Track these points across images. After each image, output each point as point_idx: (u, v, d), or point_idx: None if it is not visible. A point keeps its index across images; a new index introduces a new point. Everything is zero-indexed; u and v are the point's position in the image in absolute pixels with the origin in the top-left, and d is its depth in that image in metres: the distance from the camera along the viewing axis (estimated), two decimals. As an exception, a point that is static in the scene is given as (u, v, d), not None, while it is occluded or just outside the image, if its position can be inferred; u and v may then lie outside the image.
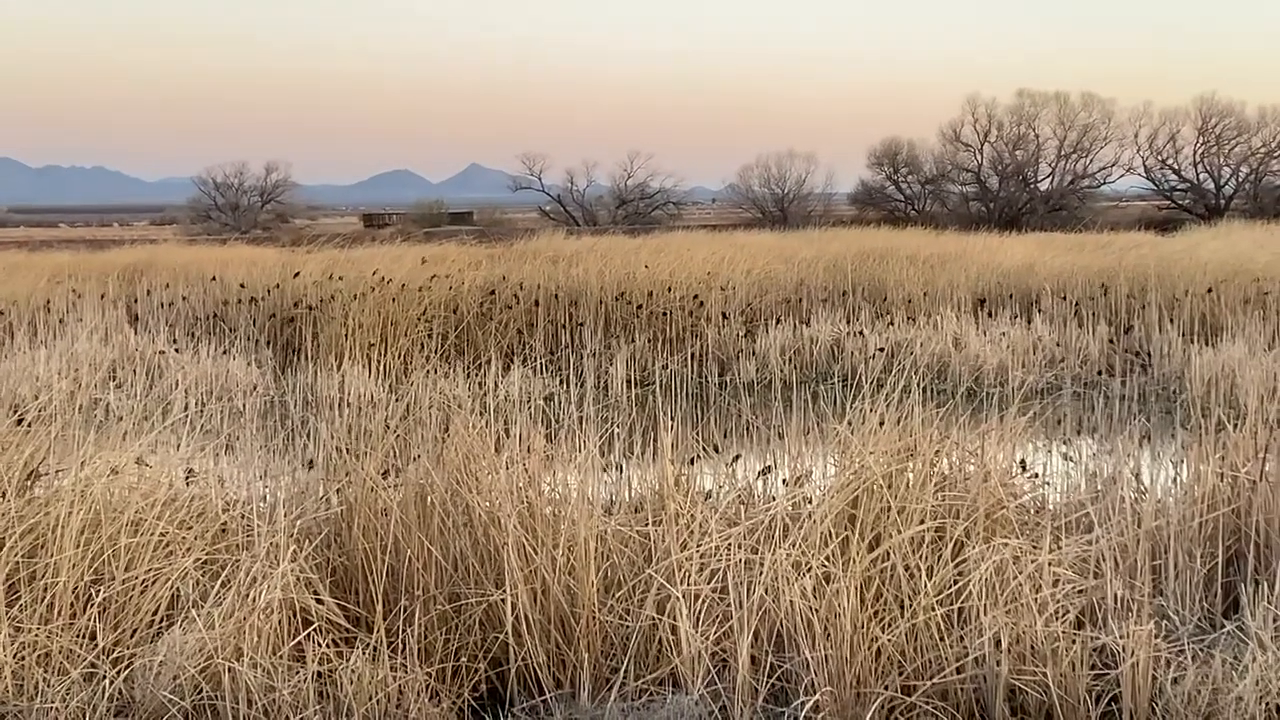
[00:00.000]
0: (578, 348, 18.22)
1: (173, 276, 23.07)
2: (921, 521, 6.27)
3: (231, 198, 77.33)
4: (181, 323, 19.38)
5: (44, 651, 5.55)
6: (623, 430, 7.92)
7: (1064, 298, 20.60)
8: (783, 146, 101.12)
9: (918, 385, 7.26)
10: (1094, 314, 19.30)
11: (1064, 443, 8.92)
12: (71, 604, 5.85)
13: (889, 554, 6.09)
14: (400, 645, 5.92)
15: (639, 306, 19.66)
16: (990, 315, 19.57)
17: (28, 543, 6.00)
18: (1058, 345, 17.67)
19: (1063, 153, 69.61)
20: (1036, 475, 7.79)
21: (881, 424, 6.90)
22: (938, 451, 6.86)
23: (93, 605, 5.81)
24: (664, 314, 19.46)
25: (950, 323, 18.36)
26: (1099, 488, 7.53)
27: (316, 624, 6.01)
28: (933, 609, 5.84)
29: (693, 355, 17.77)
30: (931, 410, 7.10)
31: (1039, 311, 19.98)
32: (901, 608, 5.93)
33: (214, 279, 21.39)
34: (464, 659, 6.10)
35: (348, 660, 5.71)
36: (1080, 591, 6.15)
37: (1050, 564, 6.04)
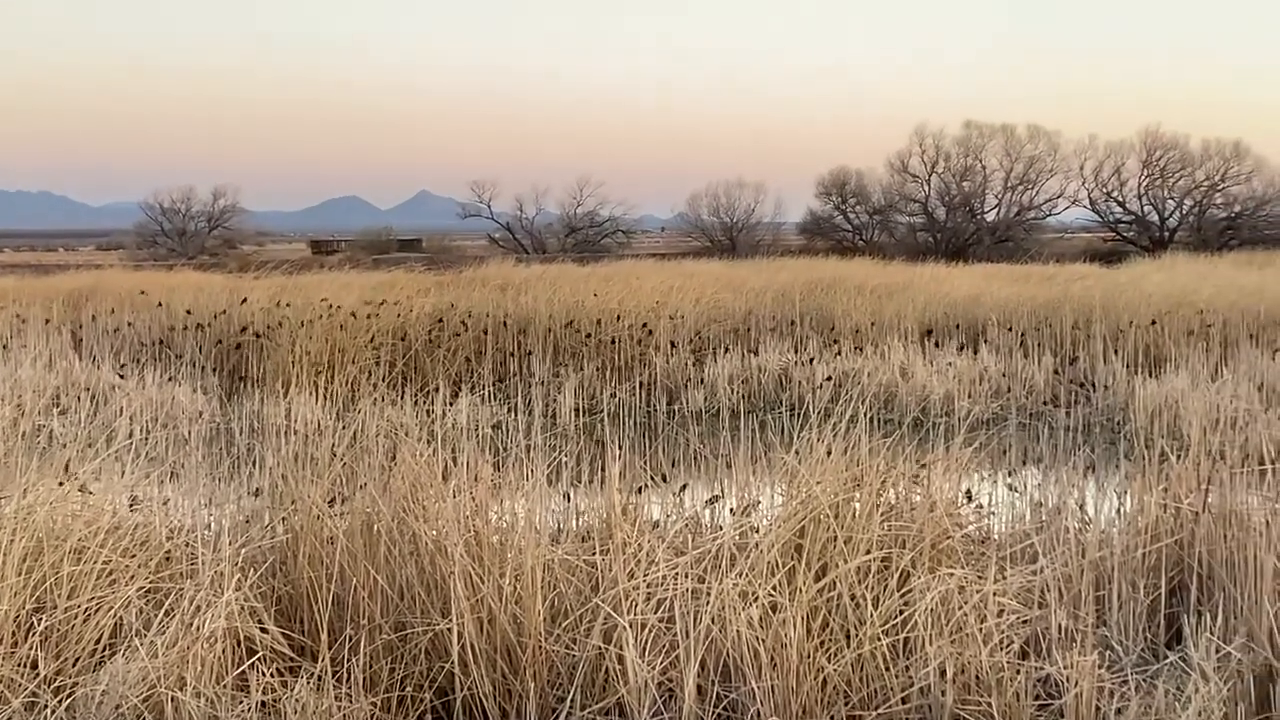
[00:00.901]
0: (526, 376, 18.22)
1: (118, 302, 22.93)
2: (868, 551, 6.28)
3: (178, 223, 76.97)
4: (127, 349, 19.25)
5: (-16, 681, 5.50)
6: (571, 459, 7.93)
7: (1010, 328, 20.74)
8: (732, 175, 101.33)
9: (865, 415, 7.28)
10: (1039, 345, 19.44)
11: (1009, 473, 8.98)
12: (13, 632, 5.79)
13: (836, 584, 6.10)
14: (345, 674, 5.88)
15: (588, 335, 19.67)
16: (937, 345, 19.65)
17: (-32, 571, 5.94)
18: (1003, 376, 17.76)
19: (1009, 184, 70.12)
20: (982, 506, 7.83)
21: (829, 453, 6.91)
22: (884, 481, 6.88)
23: (34, 634, 5.75)
24: (613, 342, 19.48)
25: (897, 353, 18.43)
26: (1044, 518, 7.58)
27: (261, 653, 5.98)
28: (879, 639, 5.86)
29: (641, 384, 17.80)
30: (878, 440, 7.12)
31: (985, 342, 20.10)
32: (848, 637, 5.94)
33: (160, 305, 21.26)
34: (409, 688, 6.08)
35: (292, 690, 5.67)
36: (1025, 622, 6.18)
37: (995, 594, 6.06)
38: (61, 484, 6.84)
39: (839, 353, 19.37)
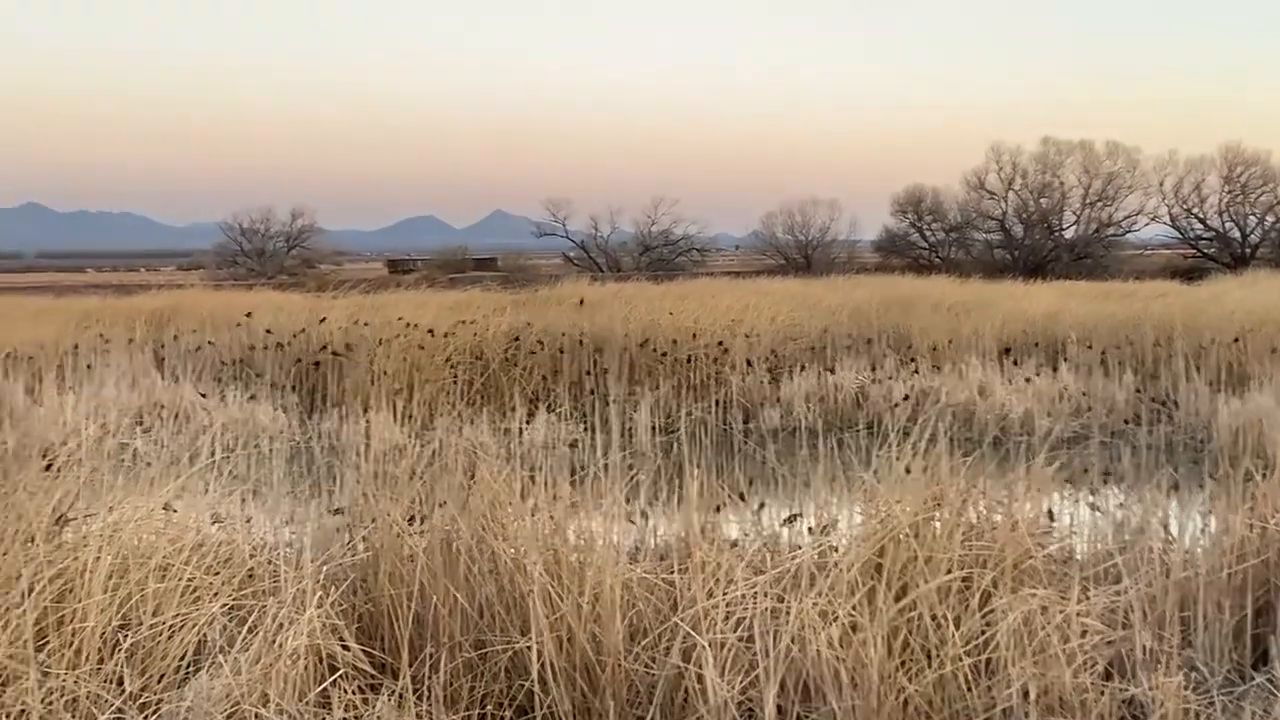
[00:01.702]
0: (602, 394, 18.23)
1: (199, 322, 23.15)
2: (949, 571, 6.24)
3: (258, 243, 77.75)
4: (208, 368, 19.41)
5: (71, 697, 5.54)
6: (648, 478, 7.91)
7: (1089, 346, 20.55)
8: (807, 193, 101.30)
9: (944, 434, 7.24)
10: (1120, 363, 19.26)
11: (1091, 492, 8.89)
12: (99, 649, 5.85)
13: (916, 603, 6.06)
14: (426, 692, 5.91)
15: (663, 353, 19.66)
16: (1015, 363, 19.53)
17: (56, 587, 6.00)
18: (1083, 394, 17.63)
19: (1088, 201, 69.63)
20: (1064, 525, 7.76)
21: (908, 472, 6.88)
22: (965, 500, 6.84)
23: (120, 650, 5.80)
24: (688, 361, 19.47)
25: (975, 371, 18.34)
26: (1126, 538, 7.50)
27: (342, 670, 6.00)
28: (960, 659, 5.82)
29: (717, 402, 17.78)
30: (958, 459, 7.08)
31: (1064, 360, 19.94)
32: (929, 657, 5.90)
33: (240, 324, 21.44)
34: (489, 706, 6.09)
35: (373, 707, 5.70)
36: (1109, 643, 6.12)
37: (1078, 615, 6.01)
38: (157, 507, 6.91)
39: (916, 371, 19.29)
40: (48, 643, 5.79)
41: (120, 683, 5.72)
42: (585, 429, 13.94)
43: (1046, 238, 69.50)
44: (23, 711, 5.41)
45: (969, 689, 5.80)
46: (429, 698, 5.87)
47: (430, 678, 5.98)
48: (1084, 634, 5.98)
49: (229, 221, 79.19)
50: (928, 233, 73.83)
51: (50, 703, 5.49)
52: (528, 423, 14.74)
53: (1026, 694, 5.69)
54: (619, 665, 6.04)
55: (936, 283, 35.69)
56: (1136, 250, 73.82)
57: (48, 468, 7.22)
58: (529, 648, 6.05)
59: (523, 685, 6.12)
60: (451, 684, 6.07)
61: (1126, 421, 15.86)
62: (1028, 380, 18.04)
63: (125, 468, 7.62)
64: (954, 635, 5.87)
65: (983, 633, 5.96)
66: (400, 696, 5.76)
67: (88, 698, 5.57)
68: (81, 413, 14.73)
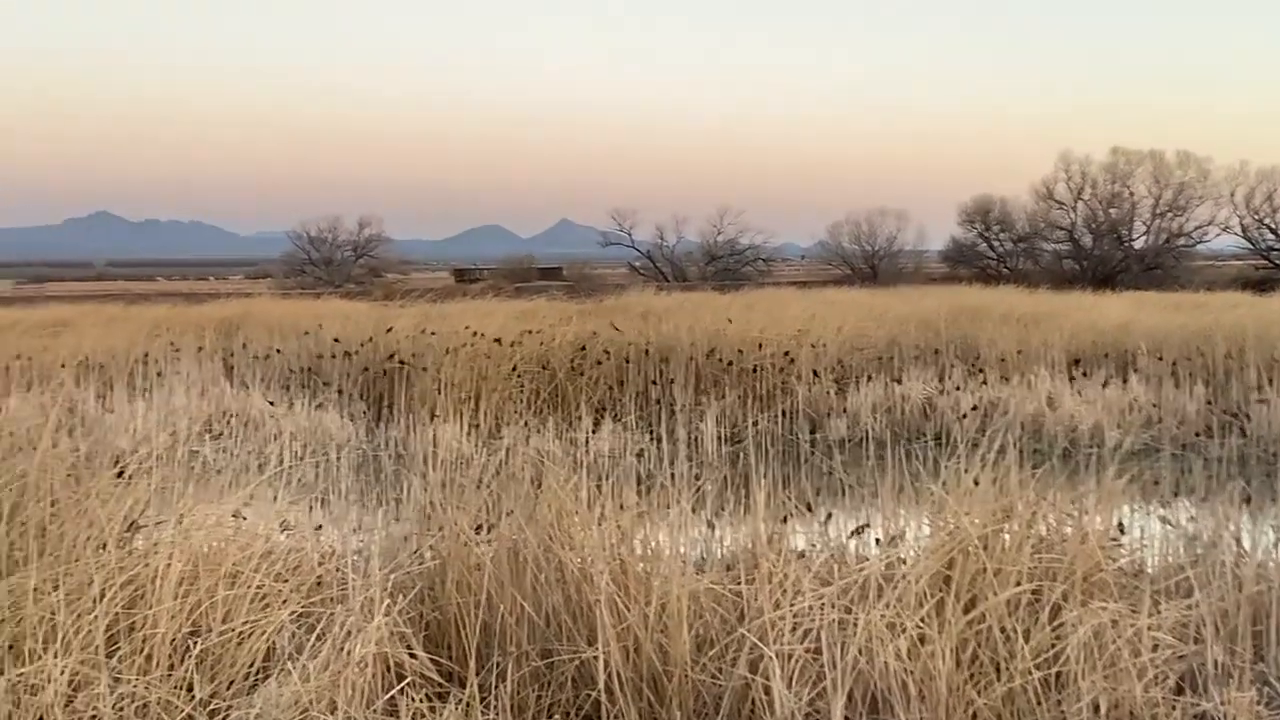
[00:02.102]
0: (668, 404, 18.22)
1: (268, 330, 23.31)
2: (1018, 583, 6.19)
3: (325, 252, 78.21)
4: (276, 376, 19.54)
5: (142, 703, 5.59)
6: (714, 487, 7.90)
7: (1160, 357, 20.37)
8: (873, 203, 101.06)
9: (1013, 445, 7.19)
10: (1191, 374, 19.08)
11: (1162, 505, 8.81)
12: (170, 655, 5.89)
13: (985, 616, 6.02)
14: (493, 701, 5.92)
15: (729, 363, 19.63)
16: (1085, 375, 19.39)
17: (127, 594, 6.05)
18: (1154, 406, 17.48)
19: (1158, 211, 68.99)
20: (1134, 538, 7.69)
21: (977, 484, 6.84)
22: (1034, 513, 6.79)
23: (190, 657, 5.84)
24: (754, 370, 19.43)
25: (1044, 382, 18.22)
26: (1198, 551, 7.43)
27: (410, 678, 6.02)
28: (1030, 672, 5.77)
29: (783, 412, 17.75)
30: (1027, 471, 7.03)
31: (1134, 371, 19.77)
32: (998, 671, 5.86)
33: (308, 333, 21.58)
34: (556, 716, 6.09)
35: (440, 715, 5.71)
36: (1180, 657, 6.06)
37: (1149, 628, 5.95)
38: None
39: (984, 382, 19.18)
40: (119, 649, 5.84)
41: (190, 689, 5.76)
42: (651, 438, 13.93)
43: (1116, 248, 68.93)
44: (94, 717, 5.46)
45: (1038, 703, 5.76)
46: (496, 706, 5.88)
47: (497, 687, 5.99)
48: (1155, 648, 5.93)
49: (297, 230, 79.76)
50: (995, 243, 73.37)
51: (121, 709, 5.53)
52: (594, 432, 14.76)
53: (1097, 708, 5.64)
54: (685, 676, 6.03)
55: (1004, 293, 35.44)
56: (1207, 261, 73.07)
57: (119, 475, 7.27)
58: (596, 657, 6.05)
59: (589, 695, 6.12)
60: (518, 693, 6.07)
61: (1198, 434, 15.73)
62: (1098, 391, 17.91)
63: (195, 475, 7.67)
64: (1023, 648, 5.83)
65: (1052, 646, 5.91)
66: (467, 705, 5.77)
67: (158, 704, 5.61)
68: (152, 420, 14.88)
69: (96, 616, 5.78)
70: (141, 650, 5.85)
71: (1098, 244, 69.11)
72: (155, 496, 7.24)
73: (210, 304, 33.35)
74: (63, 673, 5.47)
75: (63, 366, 18.79)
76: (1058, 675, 5.86)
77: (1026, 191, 72.50)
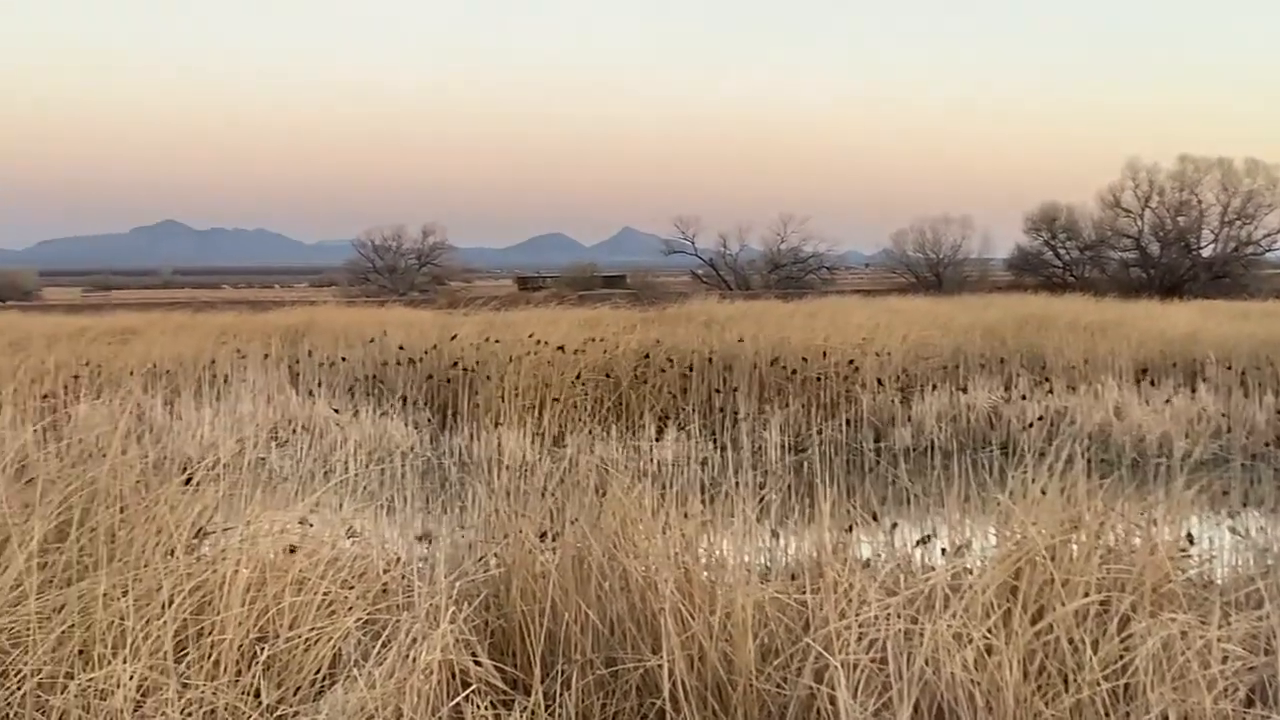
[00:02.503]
0: (732, 412, 18.20)
1: (333, 338, 23.43)
2: (1086, 594, 6.14)
3: (389, 260, 78.63)
4: (341, 383, 19.64)
5: (210, 708, 5.62)
6: (778, 496, 7.88)
7: (1229, 367, 20.18)
8: (938, 210, 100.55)
9: (1081, 455, 7.14)
10: (1260, 384, 18.88)
11: (1231, 515, 8.73)
12: (237, 661, 5.93)
13: (1053, 627, 5.97)
14: (558, 709, 5.92)
15: (793, 371, 19.59)
16: (1153, 384, 19.24)
17: (195, 600, 6.09)
18: (1223, 415, 17.32)
19: (1226, 219, 68.39)
20: (1204, 548, 7.62)
21: (1044, 494, 6.79)
22: (1102, 523, 6.73)
23: (257, 663, 5.88)
24: (818, 379, 19.38)
25: (1111, 391, 18.08)
26: (1269, 562, 7.35)
27: (475, 686, 6.03)
28: (1098, 684, 5.72)
29: (848, 421, 17.69)
30: (1095, 481, 6.98)
31: (1203, 381, 19.60)
32: (1065, 682, 5.81)
33: (373, 340, 21.68)
34: (621, 724, 6.09)
35: (506, 723, 5.72)
36: (1250, 669, 5.99)
37: (1219, 640, 5.89)
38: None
39: (1050, 391, 19.05)
40: (187, 654, 5.88)
41: (257, 695, 5.79)
42: (715, 447, 13.93)
43: (1184, 256, 68.42)
44: (163, 721, 5.50)
45: (1107, 714, 5.70)
46: (560, 714, 5.89)
47: (562, 694, 5.99)
48: (1225, 660, 5.86)
49: (362, 239, 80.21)
50: (1061, 251, 72.96)
51: (189, 713, 5.57)
52: (657, 440, 14.76)
53: (1166, 720, 5.59)
54: (750, 685, 6.02)
55: (1071, 302, 35.22)
56: (1276, 269, 72.41)
57: (187, 482, 7.32)
58: (660, 666, 6.04)
59: (654, 703, 6.11)
60: (583, 701, 6.07)
61: (1267, 444, 15.59)
62: (1165, 401, 17.77)
63: (262, 482, 7.70)
64: (1091, 659, 5.77)
65: (1121, 657, 5.86)
66: (532, 712, 5.78)
67: (226, 709, 5.65)
68: (219, 427, 15.00)
69: (165, 622, 5.82)
70: (209, 656, 5.89)
71: (1165, 252, 68.62)
72: (223, 503, 7.29)
73: (275, 311, 33.59)
74: (132, 678, 5.51)
75: (131, 374, 18.94)
76: (1126, 687, 5.80)
77: (1093, 199, 72.10)
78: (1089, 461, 7.22)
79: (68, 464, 7.38)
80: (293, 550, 6.64)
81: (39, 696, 5.56)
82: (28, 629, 5.78)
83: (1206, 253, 69.00)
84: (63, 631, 5.81)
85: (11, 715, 5.57)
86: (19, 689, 5.56)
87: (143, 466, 7.70)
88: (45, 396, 16.03)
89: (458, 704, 5.83)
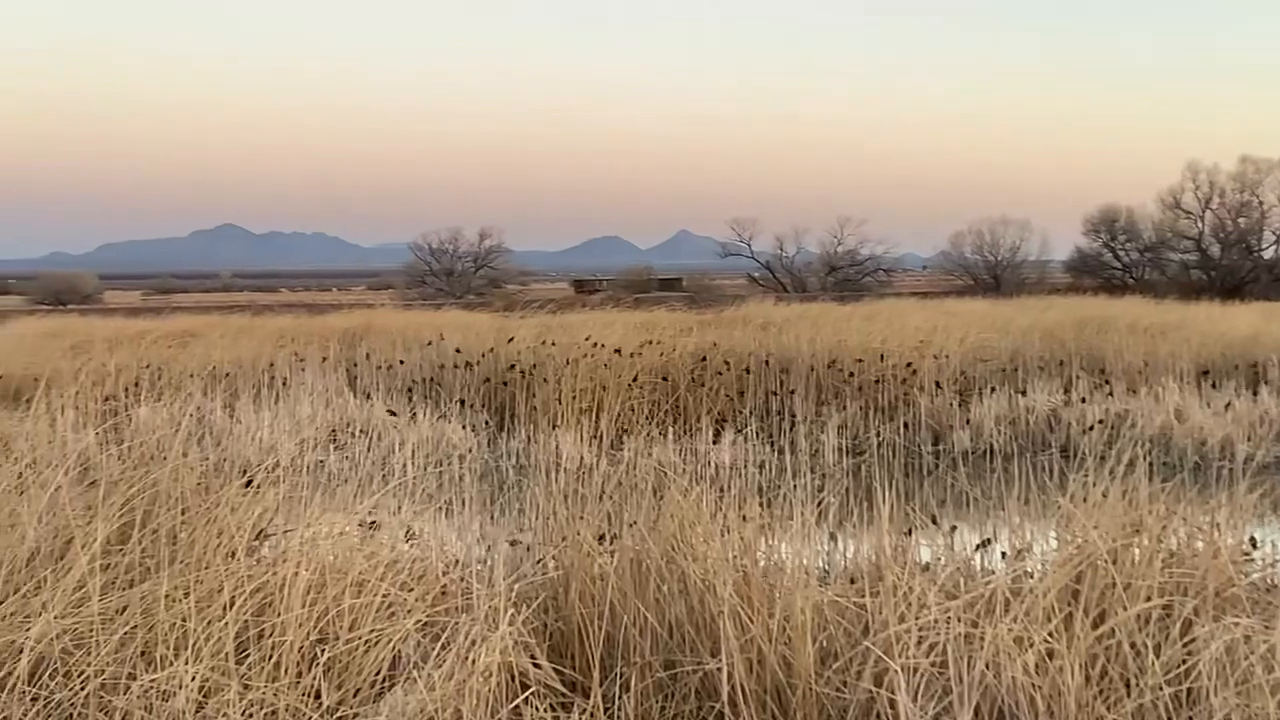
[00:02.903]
0: (789, 415, 18.17)
1: (390, 341, 23.52)
2: (1148, 598, 6.10)
3: (446, 263, 78.86)
4: (399, 386, 19.70)
5: (271, 709, 5.65)
6: (836, 499, 7.85)
7: (1292, 368, 20.00)
8: (995, 212, 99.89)
9: (1142, 458, 7.08)
10: (1324, 387, 18.71)
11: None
12: (298, 663, 5.95)
13: (1114, 631, 5.93)
14: (616, 711, 5.92)
15: (850, 374, 19.53)
16: (1214, 386, 19.08)
17: (256, 601, 6.12)
18: (1286, 418, 17.16)
19: (1288, 220, 67.77)
20: (1267, 553, 7.54)
21: (1105, 497, 6.74)
22: (1164, 527, 6.68)
23: (318, 664, 5.90)
24: (876, 382, 19.32)
25: (1172, 394, 17.94)
26: (1334, 566, 7.27)
27: (534, 688, 6.04)
28: (1160, 688, 5.67)
29: (905, 424, 17.63)
30: (1157, 484, 6.92)
31: (1265, 383, 19.43)
32: (1128, 687, 5.77)
33: (430, 343, 21.74)
34: (680, 727, 6.08)
35: (565, 725, 5.72)
36: (1315, 674, 5.93)
37: (1284, 644, 5.83)
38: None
39: (1110, 394, 18.92)
40: (248, 656, 5.91)
41: (317, 696, 5.81)
42: (773, 449, 13.90)
43: (1245, 258, 67.85)
44: (224, 722, 5.53)
45: (1169, 719, 5.66)
46: (619, 717, 5.88)
47: (620, 697, 5.99)
48: (1290, 664, 5.80)
49: (418, 242, 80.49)
50: (1121, 253, 72.47)
51: (250, 714, 5.59)
52: (715, 443, 14.74)
53: (1230, 725, 5.53)
54: (809, 688, 5.99)
55: (1130, 304, 34.96)
56: (1340, 271, 71.74)
57: (247, 484, 7.37)
58: (719, 669, 6.02)
59: (713, 707, 6.09)
60: (642, 704, 6.06)
61: (1331, 447, 15.43)
62: (1227, 404, 17.61)
63: (321, 485, 7.75)
64: (1154, 664, 5.73)
65: (1183, 662, 5.81)
66: (591, 716, 5.77)
67: (286, 710, 5.67)
68: (279, 430, 15.08)
69: (226, 624, 5.85)
70: (270, 657, 5.91)
71: (1226, 254, 68.08)
72: (283, 506, 7.34)
73: (333, 315, 33.77)
74: (194, 679, 5.54)
75: (191, 377, 19.09)
76: (1189, 691, 5.75)
77: (1153, 201, 71.61)
78: (1150, 465, 7.17)
79: (129, 466, 7.44)
80: (352, 552, 6.67)
81: (102, 697, 5.60)
82: (91, 630, 5.83)
83: (1268, 254, 68.46)
84: (125, 633, 5.86)
85: (75, 716, 5.61)
86: (82, 689, 5.60)
87: (203, 469, 7.76)
88: (107, 399, 16.15)
89: (517, 706, 5.84)
